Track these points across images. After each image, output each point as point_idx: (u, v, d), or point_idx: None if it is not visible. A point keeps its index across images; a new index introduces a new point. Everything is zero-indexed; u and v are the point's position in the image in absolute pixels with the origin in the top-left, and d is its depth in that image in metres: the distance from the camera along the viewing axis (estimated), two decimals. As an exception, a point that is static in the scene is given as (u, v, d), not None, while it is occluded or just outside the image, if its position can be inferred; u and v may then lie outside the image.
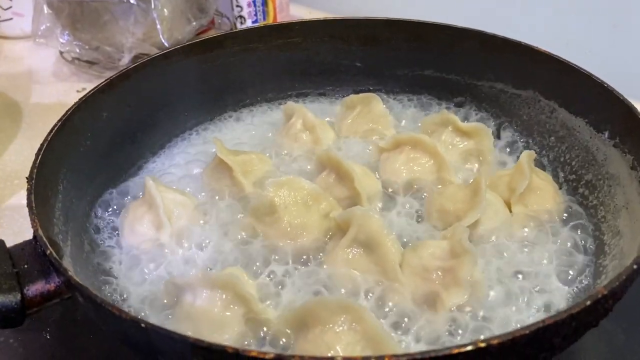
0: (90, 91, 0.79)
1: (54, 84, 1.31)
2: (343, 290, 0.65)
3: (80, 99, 0.77)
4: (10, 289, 0.56)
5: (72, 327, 0.74)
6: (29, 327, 0.59)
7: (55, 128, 0.72)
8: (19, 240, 0.62)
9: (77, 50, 1.30)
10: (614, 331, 0.71)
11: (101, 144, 0.80)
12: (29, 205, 0.61)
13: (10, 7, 1.45)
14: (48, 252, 0.56)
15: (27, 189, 0.63)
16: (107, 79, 0.82)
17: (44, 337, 0.73)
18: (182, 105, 0.93)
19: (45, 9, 1.25)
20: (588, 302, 0.49)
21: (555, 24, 1.21)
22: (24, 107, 1.22)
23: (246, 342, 0.60)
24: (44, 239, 0.57)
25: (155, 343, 0.49)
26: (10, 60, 1.42)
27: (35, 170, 0.65)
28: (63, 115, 0.74)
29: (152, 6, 1.22)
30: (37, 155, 0.67)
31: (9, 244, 0.62)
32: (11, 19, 1.47)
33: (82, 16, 1.22)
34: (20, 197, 0.97)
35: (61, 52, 1.33)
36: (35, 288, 0.57)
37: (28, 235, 0.61)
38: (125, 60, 1.24)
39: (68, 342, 0.73)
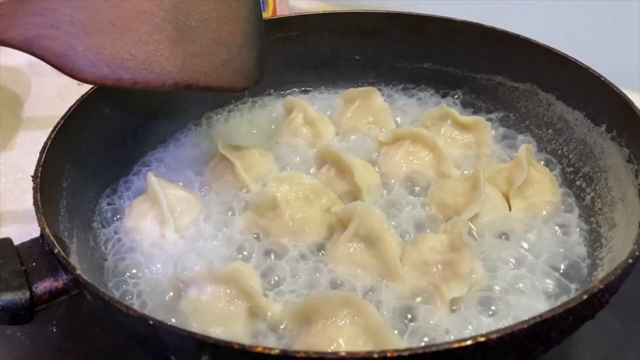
0: (91, 87, 0.79)
1: (55, 76, 1.28)
2: (345, 285, 0.67)
3: (82, 96, 0.78)
4: (20, 287, 0.58)
5: (79, 320, 0.75)
6: (36, 320, 0.60)
7: (59, 126, 0.72)
8: (23, 233, 0.64)
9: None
10: (609, 320, 0.73)
11: (103, 141, 0.81)
12: (35, 204, 0.62)
13: None
14: (56, 250, 0.57)
15: (33, 188, 0.63)
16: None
17: (50, 330, 0.75)
18: (183, 100, 0.93)
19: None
20: (585, 296, 0.50)
21: (555, 15, 1.21)
22: (24, 99, 1.22)
23: (251, 335, 0.61)
24: (51, 237, 0.58)
25: (163, 339, 0.51)
26: (10, 53, 1.41)
27: (40, 169, 0.66)
28: (66, 113, 0.74)
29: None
30: (41, 153, 0.68)
31: (13, 236, 0.64)
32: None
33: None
34: (24, 191, 0.98)
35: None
36: (44, 286, 0.59)
37: (31, 227, 0.62)
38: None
39: (74, 335, 0.74)
